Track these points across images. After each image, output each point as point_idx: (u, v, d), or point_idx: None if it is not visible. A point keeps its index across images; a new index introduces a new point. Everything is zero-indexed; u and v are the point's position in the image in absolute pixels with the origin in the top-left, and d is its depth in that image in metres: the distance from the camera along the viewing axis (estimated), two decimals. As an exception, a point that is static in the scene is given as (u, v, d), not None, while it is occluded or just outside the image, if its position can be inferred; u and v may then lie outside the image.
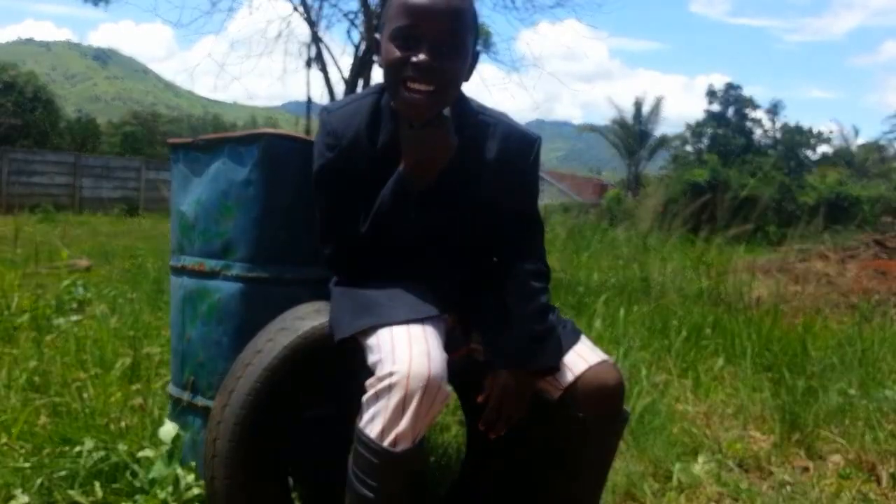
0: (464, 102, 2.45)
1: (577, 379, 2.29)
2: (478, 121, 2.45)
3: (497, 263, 2.49)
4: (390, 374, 1.99)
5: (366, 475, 2.05)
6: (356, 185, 2.36)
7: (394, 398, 1.98)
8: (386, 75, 2.32)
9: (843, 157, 56.62)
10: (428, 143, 2.27)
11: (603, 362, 2.33)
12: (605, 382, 2.29)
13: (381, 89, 2.43)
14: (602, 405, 2.30)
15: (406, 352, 2.03)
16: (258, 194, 2.76)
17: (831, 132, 63.83)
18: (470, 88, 2.46)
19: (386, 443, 1.99)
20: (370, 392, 2.03)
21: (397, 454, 2.00)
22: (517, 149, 2.49)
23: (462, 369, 2.31)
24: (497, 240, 2.50)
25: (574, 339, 2.37)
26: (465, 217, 2.42)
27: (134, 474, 2.89)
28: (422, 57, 2.21)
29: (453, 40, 2.25)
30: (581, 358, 2.32)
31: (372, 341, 2.14)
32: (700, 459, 3.78)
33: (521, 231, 2.51)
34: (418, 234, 2.39)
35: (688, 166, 39.01)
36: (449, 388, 2.09)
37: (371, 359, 2.12)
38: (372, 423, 2.01)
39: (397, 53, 2.24)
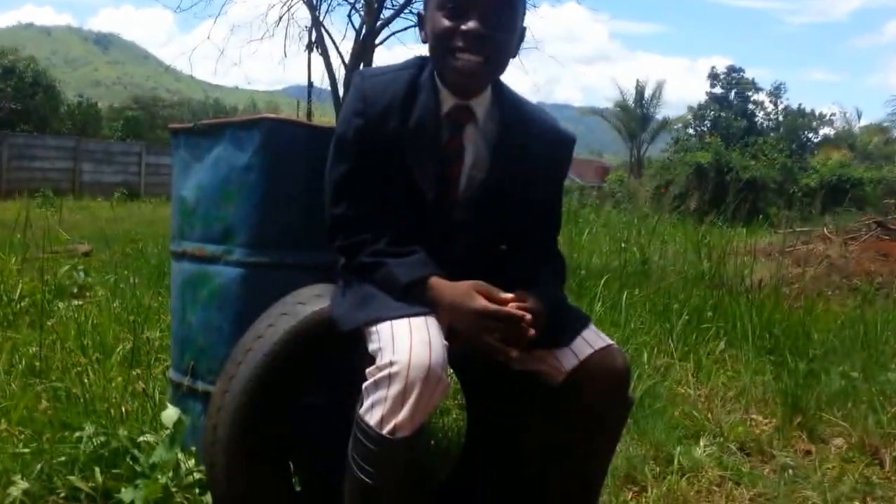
0: (505, 93, 2.44)
1: (582, 363, 2.26)
2: (519, 116, 2.43)
3: (510, 258, 2.47)
4: (391, 364, 1.98)
5: (365, 462, 2.04)
6: (379, 156, 2.30)
7: (394, 387, 1.97)
8: (433, 47, 2.31)
9: (845, 140, 56.49)
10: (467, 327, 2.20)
11: (608, 347, 2.29)
12: (611, 367, 2.27)
13: (421, 64, 2.39)
14: (607, 390, 2.28)
15: (406, 341, 2.02)
16: (259, 179, 2.75)
17: (833, 114, 63.66)
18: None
19: (385, 431, 1.98)
20: (370, 380, 2.02)
21: (396, 442, 1.99)
22: (553, 148, 2.48)
23: (463, 354, 2.29)
24: (514, 235, 2.49)
25: (582, 325, 2.34)
26: (488, 215, 2.39)
27: (134, 459, 2.88)
28: (472, 24, 2.20)
29: (503, 9, 2.26)
30: (586, 342, 2.29)
31: (373, 330, 2.13)
32: (701, 443, 3.78)
33: (539, 227, 2.52)
34: (437, 231, 2.36)
35: (690, 149, 38.94)
36: (449, 376, 2.08)
37: (372, 347, 2.11)
38: (372, 411, 2.00)
39: (446, 23, 2.24)
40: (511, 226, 2.45)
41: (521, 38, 2.39)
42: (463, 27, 2.21)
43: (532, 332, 2.15)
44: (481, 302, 2.15)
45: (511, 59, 2.38)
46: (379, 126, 2.29)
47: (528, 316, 2.16)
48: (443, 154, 2.33)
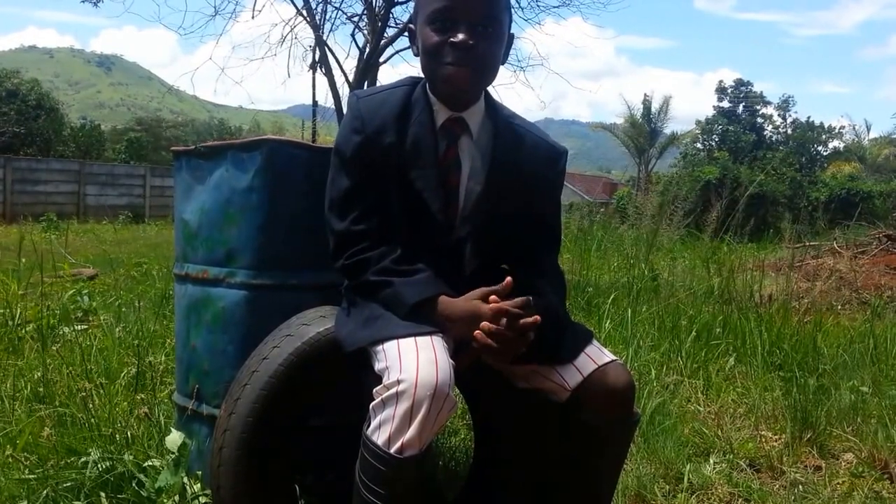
0: (497, 108, 2.47)
1: (586, 380, 2.27)
2: (511, 129, 2.46)
3: (511, 275, 2.47)
4: (398, 382, 1.97)
5: (372, 482, 2.03)
6: (378, 172, 2.32)
7: (401, 406, 1.96)
8: (424, 61, 2.34)
9: (855, 153, 56.43)
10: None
11: (612, 363, 2.30)
12: (615, 383, 2.27)
13: (414, 81, 2.43)
14: (611, 407, 2.28)
15: (413, 359, 2.01)
16: (261, 201, 2.74)
17: (843, 127, 63.55)
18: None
19: (393, 450, 1.97)
20: (377, 399, 2.00)
21: (404, 461, 1.98)
22: (545, 161, 2.51)
23: (470, 374, 2.28)
24: (515, 251, 2.48)
25: (585, 341, 2.34)
26: (488, 228, 2.39)
27: (140, 484, 2.87)
28: (460, 37, 2.23)
29: (489, 19, 2.28)
30: (590, 359, 2.29)
31: (379, 349, 2.13)
32: (711, 460, 3.77)
33: (539, 243, 2.51)
34: (442, 248, 2.37)
35: (698, 164, 38.96)
36: (457, 396, 2.06)
37: (378, 366, 2.11)
38: (379, 430, 1.99)
39: (435, 37, 2.27)
40: (511, 241, 2.45)
41: (509, 44, 2.42)
42: (452, 40, 2.24)
43: (537, 318, 2.14)
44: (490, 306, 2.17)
45: (500, 66, 2.41)
46: (376, 142, 2.32)
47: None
48: (441, 166, 2.35)
